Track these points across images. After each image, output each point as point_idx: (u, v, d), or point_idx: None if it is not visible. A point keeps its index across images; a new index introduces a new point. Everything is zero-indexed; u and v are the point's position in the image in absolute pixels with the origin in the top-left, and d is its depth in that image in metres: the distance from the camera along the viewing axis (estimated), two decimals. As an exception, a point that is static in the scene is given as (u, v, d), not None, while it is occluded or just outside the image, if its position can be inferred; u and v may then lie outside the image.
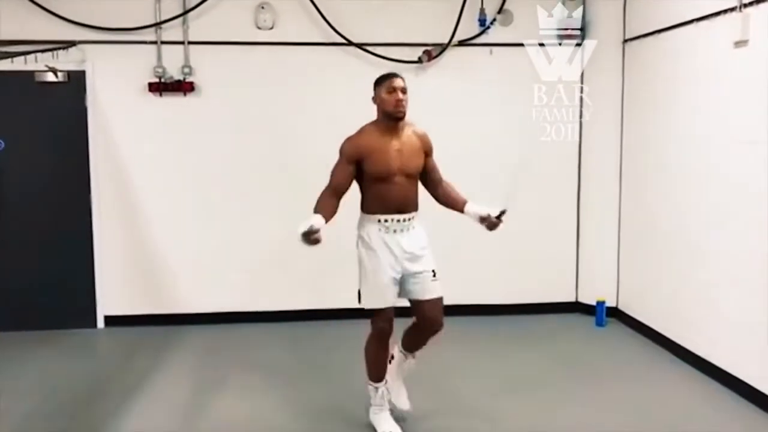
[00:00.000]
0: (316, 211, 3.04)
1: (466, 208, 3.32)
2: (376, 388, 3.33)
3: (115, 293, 5.08)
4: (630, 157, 5.03)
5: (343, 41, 4.98)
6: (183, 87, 4.91)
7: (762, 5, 3.50)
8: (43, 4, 4.78)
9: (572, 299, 5.42)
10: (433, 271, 3.24)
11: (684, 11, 4.17)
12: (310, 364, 4.30)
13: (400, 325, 3.34)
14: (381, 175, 3.15)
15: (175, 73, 4.93)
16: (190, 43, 4.94)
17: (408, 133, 3.24)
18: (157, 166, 5.02)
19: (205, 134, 5.01)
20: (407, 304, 3.31)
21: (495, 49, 5.09)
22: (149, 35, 4.91)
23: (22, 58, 4.60)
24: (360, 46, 4.99)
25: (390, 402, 3.38)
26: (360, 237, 3.24)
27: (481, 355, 4.49)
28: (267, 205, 5.07)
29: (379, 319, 3.21)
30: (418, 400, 3.47)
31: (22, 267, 4.98)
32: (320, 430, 3.36)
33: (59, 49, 4.78)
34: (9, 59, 4.52)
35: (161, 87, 4.90)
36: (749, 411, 3.57)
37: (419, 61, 5.01)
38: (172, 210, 5.07)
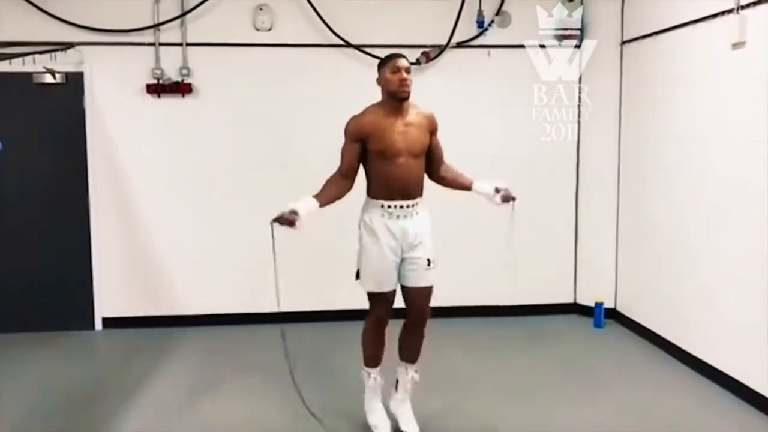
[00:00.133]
0: (317, 193, 3.07)
1: (475, 185, 3.35)
2: (369, 374, 3.34)
3: (113, 294, 5.07)
4: (628, 157, 5.04)
5: (342, 43, 4.99)
6: (181, 88, 4.90)
7: (759, 7, 3.52)
8: (42, 6, 4.78)
9: (570, 300, 5.42)
10: (428, 259, 3.23)
11: (682, 13, 4.19)
12: (309, 365, 4.29)
13: (397, 325, 3.34)
14: (385, 154, 3.11)
15: (173, 74, 4.93)
16: (188, 44, 4.94)
17: (413, 113, 3.21)
18: (155, 168, 5.02)
19: (203, 136, 5.01)
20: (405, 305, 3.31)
21: (493, 50, 5.10)
22: (147, 37, 4.91)
23: (20, 59, 4.59)
24: (358, 47, 5.00)
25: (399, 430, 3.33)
26: (362, 220, 3.23)
27: (480, 357, 4.49)
28: (265, 206, 5.02)
29: (378, 305, 3.22)
30: (416, 401, 3.45)
31: (20, 268, 4.97)
32: (320, 430, 3.35)
33: (57, 50, 4.77)
34: (7, 61, 4.51)
35: (159, 88, 4.89)
36: (749, 414, 3.57)
37: (417, 62, 5.01)
38: (169, 211, 5.06)
